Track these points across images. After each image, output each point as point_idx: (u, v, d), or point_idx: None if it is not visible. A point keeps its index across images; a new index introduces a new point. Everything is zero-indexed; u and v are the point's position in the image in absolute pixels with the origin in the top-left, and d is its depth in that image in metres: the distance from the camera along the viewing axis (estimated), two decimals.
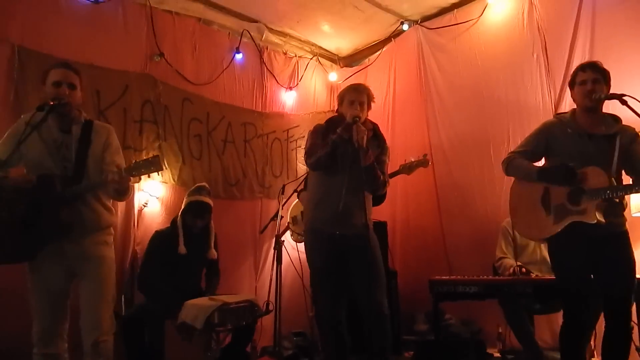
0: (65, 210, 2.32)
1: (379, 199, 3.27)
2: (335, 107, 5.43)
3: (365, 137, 2.73)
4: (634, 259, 2.51)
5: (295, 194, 4.24)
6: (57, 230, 2.32)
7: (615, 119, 2.60)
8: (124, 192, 2.42)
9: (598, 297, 2.49)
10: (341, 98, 2.99)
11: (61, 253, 2.35)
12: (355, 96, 2.89)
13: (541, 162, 2.80)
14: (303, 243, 3.02)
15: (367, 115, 2.95)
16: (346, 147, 2.75)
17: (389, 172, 3.18)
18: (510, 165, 2.74)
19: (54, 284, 2.36)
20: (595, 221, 2.40)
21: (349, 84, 3.13)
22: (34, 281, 2.37)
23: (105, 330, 2.38)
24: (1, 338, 2.85)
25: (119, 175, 2.26)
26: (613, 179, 2.44)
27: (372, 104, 2.99)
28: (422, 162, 3.72)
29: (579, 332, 2.54)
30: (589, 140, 2.53)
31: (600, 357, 2.67)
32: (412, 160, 3.73)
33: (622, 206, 2.53)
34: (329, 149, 2.77)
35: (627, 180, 2.60)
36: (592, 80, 2.52)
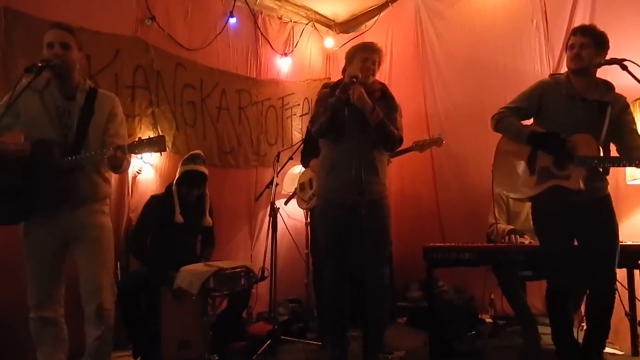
0: (62, 179, 2.30)
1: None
2: (330, 74, 5.44)
3: (364, 96, 2.66)
4: (617, 223, 2.54)
5: (290, 161, 4.22)
6: (53, 198, 2.30)
7: (609, 86, 2.59)
8: (119, 167, 2.37)
9: (582, 264, 2.52)
10: (351, 56, 2.87)
11: (56, 220, 2.34)
12: (369, 54, 2.81)
13: (530, 121, 2.78)
14: (309, 210, 3.00)
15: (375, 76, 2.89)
16: (350, 109, 2.66)
17: (400, 148, 3.13)
18: (500, 122, 2.72)
19: (48, 248, 2.35)
20: (578, 188, 2.43)
21: (359, 42, 3.01)
22: (29, 245, 2.36)
23: (106, 297, 2.37)
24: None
25: (121, 152, 2.24)
26: (601, 148, 2.46)
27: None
28: (436, 141, 3.69)
29: (564, 296, 2.57)
30: (581, 104, 2.53)
31: None
32: (426, 138, 3.71)
33: (604, 172, 2.54)
34: (329, 113, 2.70)
35: (613, 149, 2.62)
36: (580, 44, 2.50)
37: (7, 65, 3.11)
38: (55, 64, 2.29)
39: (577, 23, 3.76)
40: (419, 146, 3.73)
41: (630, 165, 2.47)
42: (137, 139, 2.34)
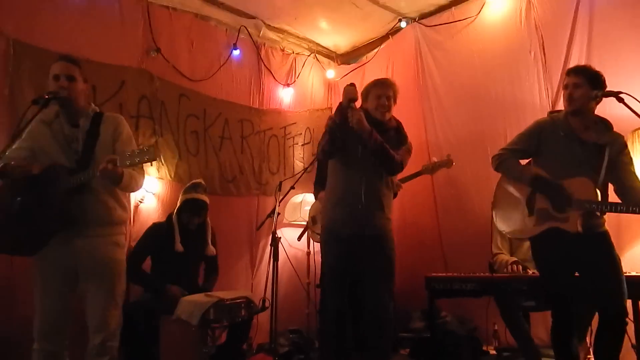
0: (69, 200, 2.29)
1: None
2: (331, 104, 5.52)
3: (362, 120, 2.67)
4: (618, 257, 2.53)
5: (292, 190, 4.23)
6: (61, 220, 2.29)
7: (607, 125, 2.61)
8: (117, 181, 2.34)
9: (588, 296, 2.51)
10: (366, 93, 2.91)
11: (71, 249, 2.32)
12: (382, 91, 2.85)
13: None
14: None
15: (392, 111, 2.93)
16: (351, 134, 2.68)
17: (409, 173, 3.12)
18: (501, 164, 2.73)
19: (60, 280, 2.33)
20: (576, 231, 2.45)
21: (374, 79, 3.05)
22: (40, 275, 2.34)
23: (111, 331, 2.36)
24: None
25: (112, 164, 2.21)
26: (599, 190, 2.48)
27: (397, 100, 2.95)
28: (446, 163, 3.70)
29: (568, 331, 2.55)
30: (579, 145, 2.54)
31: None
32: (435, 160, 3.72)
33: (602, 213, 2.55)
34: (327, 136, 2.73)
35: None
36: (572, 84, 2.53)
37: (15, 94, 3.17)
38: (61, 96, 2.33)
39: (574, 54, 3.84)
40: (429, 169, 3.74)
41: (628, 212, 2.45)
42: (128, 152, 2.28)
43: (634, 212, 2.39)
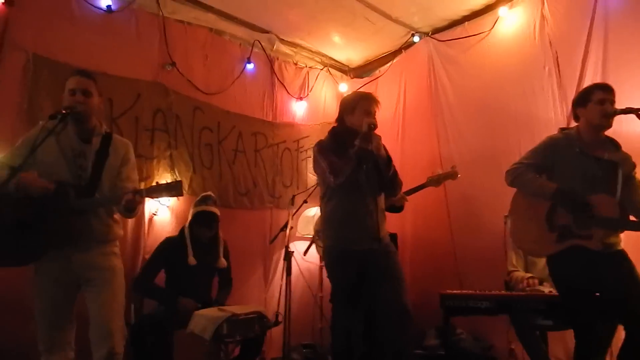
0: (75, 220, 2.31)
1: (398, 209, 3.26)
2: None
3: (381, 145, 2.70)
4: (638, 273, 2.50)
5: (305, 204, 4.23)
6: (64, 239, 2.31)
7: (616, 145, 2.61)
8: (133, 210, 2.40)
9: (609, 315, 2.46)
10: (352, 106, 2.81)
11: (68, 262, 2.34)
12: (371, 106, 2.79)
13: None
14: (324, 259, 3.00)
15: None
16: (367, 159, 2.67)
17: (414, 185, 3.13)
18: (518, 178, 2.68)
19: (58, 289, 2.34)
20: (599, 249, 2.43)
21: (356, 91, 3.05)
22: (38, 286, 2.34)
23: (117, 341, 2.35)
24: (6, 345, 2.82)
25: (139, 196, 2.27)
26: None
27: None
28: (451, 175, 3.66)
29: (593, 352, 2.50)
30: (595, 162, 2.53)
31: None
32: (440, 172, 3.68)
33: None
34: (354, 162, 2.65)
35: None
36: (611, 101, 2.53)
37: (33, 107, 3.22)
38: (78, 112, 2.35)
39: (589, 70, 3.81)
40: (434, 181, 3.69)
41: None
42: (154, 183, 2.37)
43: None
